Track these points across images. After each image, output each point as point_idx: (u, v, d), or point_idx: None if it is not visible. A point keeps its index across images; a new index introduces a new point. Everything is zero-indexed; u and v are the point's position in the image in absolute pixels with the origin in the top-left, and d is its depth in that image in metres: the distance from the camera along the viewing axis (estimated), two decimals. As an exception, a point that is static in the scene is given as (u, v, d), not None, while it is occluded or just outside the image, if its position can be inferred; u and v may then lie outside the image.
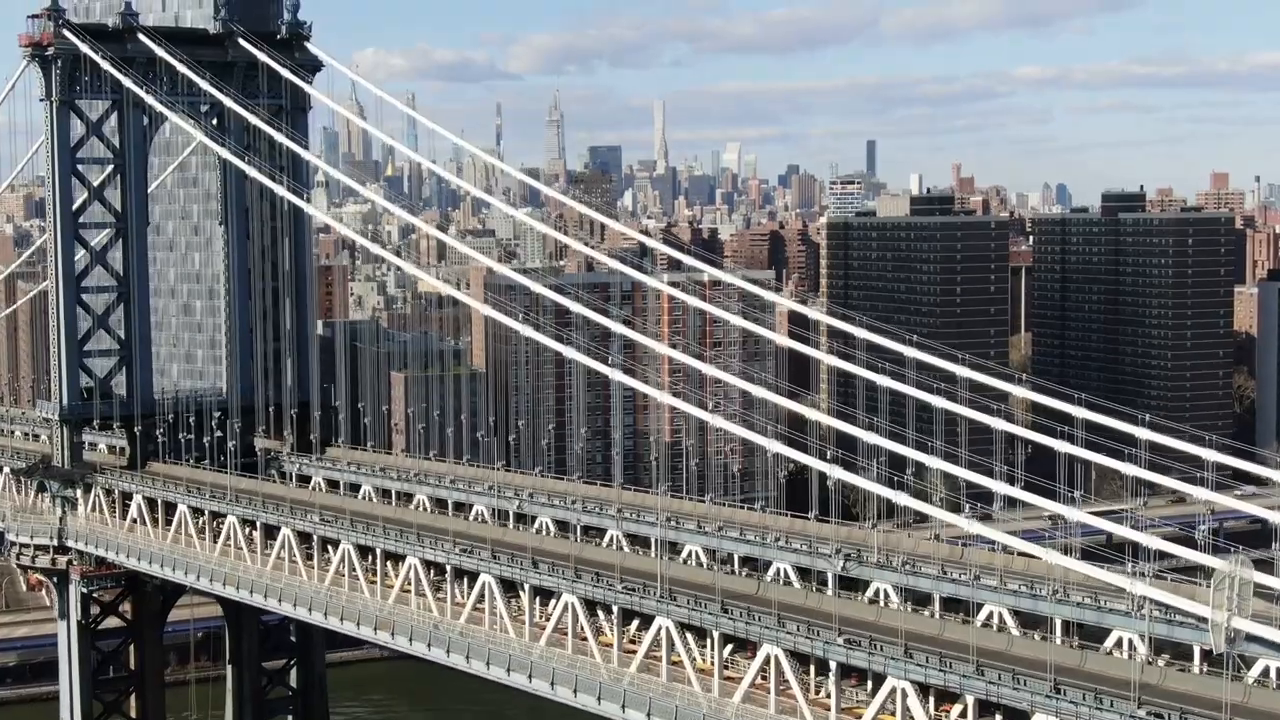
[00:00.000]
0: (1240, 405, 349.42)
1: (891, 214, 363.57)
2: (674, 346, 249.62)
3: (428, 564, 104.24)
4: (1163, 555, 78.62)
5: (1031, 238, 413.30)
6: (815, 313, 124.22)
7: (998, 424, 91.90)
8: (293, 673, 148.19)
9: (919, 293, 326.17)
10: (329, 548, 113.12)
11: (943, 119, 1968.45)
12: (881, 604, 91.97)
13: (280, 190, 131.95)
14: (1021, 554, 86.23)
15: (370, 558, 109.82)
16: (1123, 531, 79.37)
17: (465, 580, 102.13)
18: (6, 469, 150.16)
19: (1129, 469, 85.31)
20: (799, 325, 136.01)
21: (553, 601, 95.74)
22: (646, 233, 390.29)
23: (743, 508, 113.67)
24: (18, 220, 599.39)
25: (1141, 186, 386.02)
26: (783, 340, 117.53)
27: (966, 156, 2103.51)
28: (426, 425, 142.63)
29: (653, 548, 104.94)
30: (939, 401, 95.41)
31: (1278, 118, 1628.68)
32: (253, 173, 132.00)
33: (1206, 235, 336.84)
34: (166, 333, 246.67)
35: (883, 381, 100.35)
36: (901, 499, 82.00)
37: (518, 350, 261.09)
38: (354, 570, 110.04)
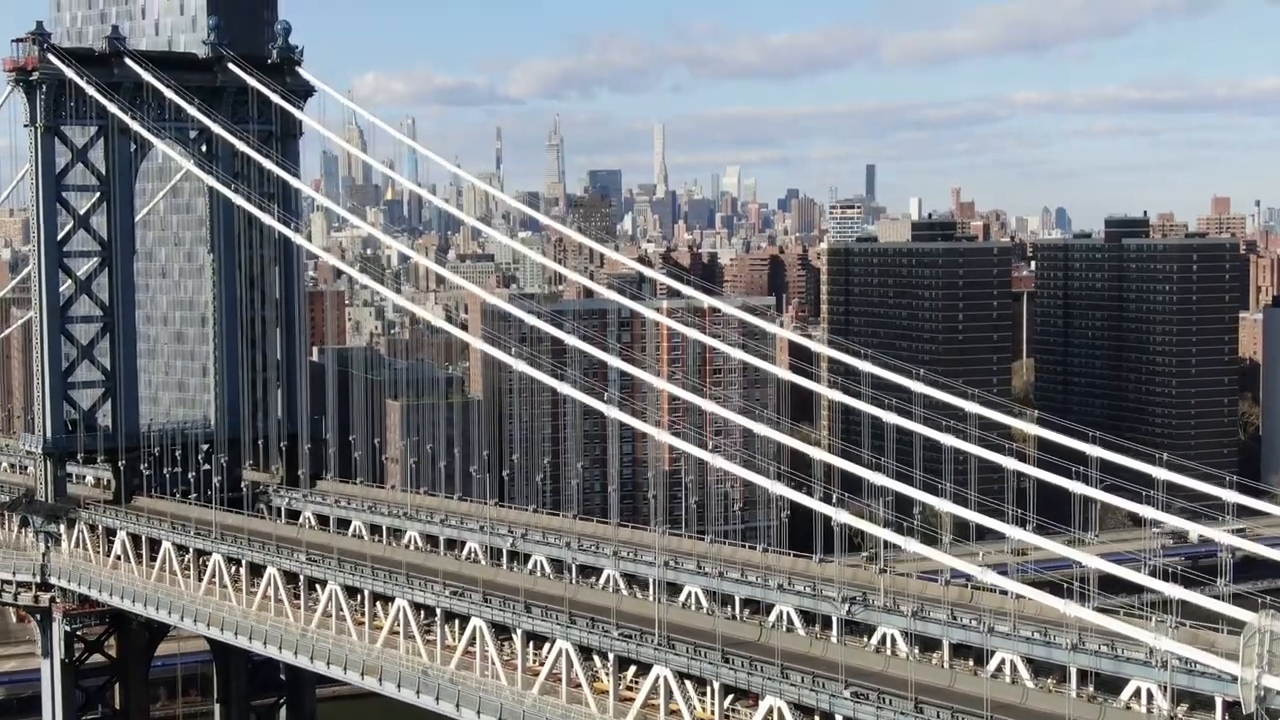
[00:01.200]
0: (1245, 432, 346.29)
1: (892, 239, 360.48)
2: (673, 376, 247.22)
3: (417, 606, 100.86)
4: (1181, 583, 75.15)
5: (1034, 263, 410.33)
6: (817, 345, 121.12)
7: (1009, 463, 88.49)
8: (282, 711, 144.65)
9: (920, 319, 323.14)
10: (316, 587, 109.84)
11: (942, 143, 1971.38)
12: (889, 651, 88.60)
13: (268, 219, 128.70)
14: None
15: (358, 598, 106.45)
16: (1141, 579, 75.91)
17: (456, 623, 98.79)
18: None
19: (1147, 511, 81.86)
20: (800, 351, 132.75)
21: (546, 647, 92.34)
22: (645, 259, 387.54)
23: (745, 545, 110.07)
24: (15, 245, 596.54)
25: (1145, 212, 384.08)
26: (784, 374, 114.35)
27: (965, 180, 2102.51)
28: (419, 459, 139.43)
29: (651, 590, 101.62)
30: (947, 439, 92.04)
31: (1277, 142, 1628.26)
32: (240, 201, 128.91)
33: (1211, 261, 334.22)
34: (158, 360, 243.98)
35: (888, 418, 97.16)
36: (911, 545, 78.54)
37: (514, 377, 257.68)
38: (341, 611, 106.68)
